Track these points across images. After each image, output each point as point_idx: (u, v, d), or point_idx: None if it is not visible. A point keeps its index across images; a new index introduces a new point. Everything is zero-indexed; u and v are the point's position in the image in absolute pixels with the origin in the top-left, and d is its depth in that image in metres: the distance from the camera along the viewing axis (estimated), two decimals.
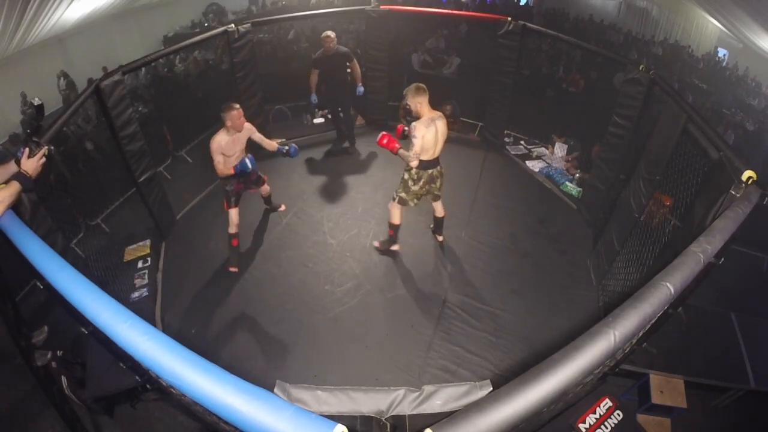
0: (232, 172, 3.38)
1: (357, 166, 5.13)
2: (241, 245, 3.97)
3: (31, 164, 1.86)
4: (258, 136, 3.56)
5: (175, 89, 7.17)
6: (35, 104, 1.88)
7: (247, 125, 3.43)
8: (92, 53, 9.46)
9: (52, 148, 2.00)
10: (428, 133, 3.13)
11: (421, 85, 3.16)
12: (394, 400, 2.41)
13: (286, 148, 3.58)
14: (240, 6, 13.57)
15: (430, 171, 3.36)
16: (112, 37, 10.21)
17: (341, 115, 5.17)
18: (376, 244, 3.93)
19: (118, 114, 3.41)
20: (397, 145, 3.22)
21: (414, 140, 3.12)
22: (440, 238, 4.04)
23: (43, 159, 1.90)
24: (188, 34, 9.95)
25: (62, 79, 8.54)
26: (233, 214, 3.62)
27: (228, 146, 3.33)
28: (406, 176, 3.40)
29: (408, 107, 3.20)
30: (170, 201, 4.27)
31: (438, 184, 3.48)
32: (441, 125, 3.21)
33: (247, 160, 3.33)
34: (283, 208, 4.34)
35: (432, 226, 4.05)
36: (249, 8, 13.60)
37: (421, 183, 3.38)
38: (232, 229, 3.66)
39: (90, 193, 4.52)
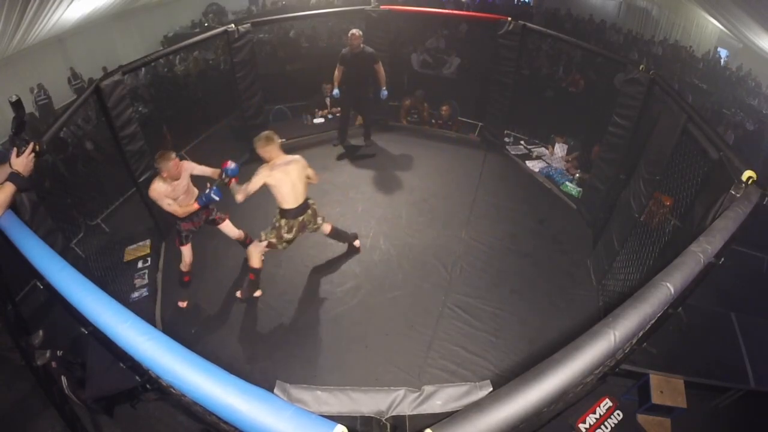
0: (196, 207, 3.12)
1: (357, 166, 5.13)
2: (240, 245, 3.98)
3: (21, 162, 1.85)
4: (199, 170, 3.24)
5: (175, 89, 7.18)
6: (12, 101, 1.86)
7: (185, 165, 3.12)
8: (92, 53, 9.47)
9: (43, 143, 1.98)
10: (271, 178, 3.03)
11: (269, 133, 3.09)
12: (394, 400, 2.41)
13: (224, 173, 3.14)
14: (240, 6, 13.58)
15: (300, 218, 3.26)
16: (112, 37, 10.21)
17: (352, 114, 5.18)
18: (238, 294, 3.48)
19: (118, 114, 3.40)
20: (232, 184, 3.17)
21: (253, 178, 3.02)
22: (356, 243, 3.87)
23: (32, 155, 1.88)
24: (188, 34, 9.95)
25: (38, 90, 8.38)
26: (186, 252, 3.35)
27: (169, 192, 3.06)
28: (279, 224, 3.25)
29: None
30: None
31: (312, 226, 3.39)
32: (294, 169, 3.10)
33: (212, 193, 3.06)
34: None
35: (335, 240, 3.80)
36: (249, 8, 13.60)
37: (293, 232, 3.28)
38: (185, 268, 3.40)
39: (90, 193, 4.53)
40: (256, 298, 3.52)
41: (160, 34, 11.45)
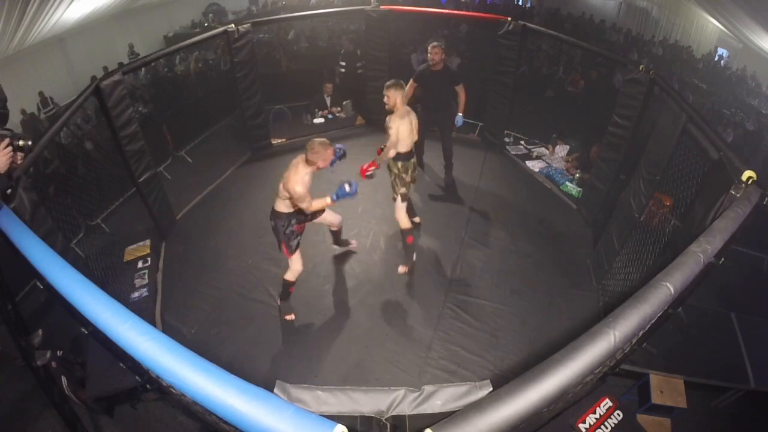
0: (329, 202, 2.92)
1: (357, 166, 5.12)
2: (240, 245, 3.97)
3: None
4: None
5: (175, 89, 7.17)
6: None
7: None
8: (92, 53, 9.47)
9: (29, 142, 1.81)
10: (402, 125, 3.30)
11: (400, 81, 3.34)
12: (394, 400, 2.41)
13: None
14: (240, 6, 13.59)
15: (412, 161, 3.52)
16: (112, 37, 10.22)
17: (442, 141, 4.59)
18: (402, 269, 3.66)
19: (118, 114, 3.41)
20: (376, 162, 3.46)
21: (390, 131, 3.30)
22: (417, 220, 4.13)
23: (9, 149, 1.71)
24: (188, 34, 9.95)
25: (129, 49, 8.29)
26: (296, 261, 3.12)
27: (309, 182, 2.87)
28: (396, 171, 3.50)
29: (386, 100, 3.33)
30: (170, 201, 4.27)
31: (413, 172, 3.61)
32: (414, 119, 3.41)
33: (347, 185, 2.88)
34: (353, 244, 3.87)
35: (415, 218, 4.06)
36: (249, 8, 13.62)
37: (409, 172, 3.52)
38: (291, 277, 3.16)
39: (90, 193, 4.52)
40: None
41: (160, 34, 11.46)
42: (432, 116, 4.38)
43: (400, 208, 3.54)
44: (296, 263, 3.14)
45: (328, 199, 2.93)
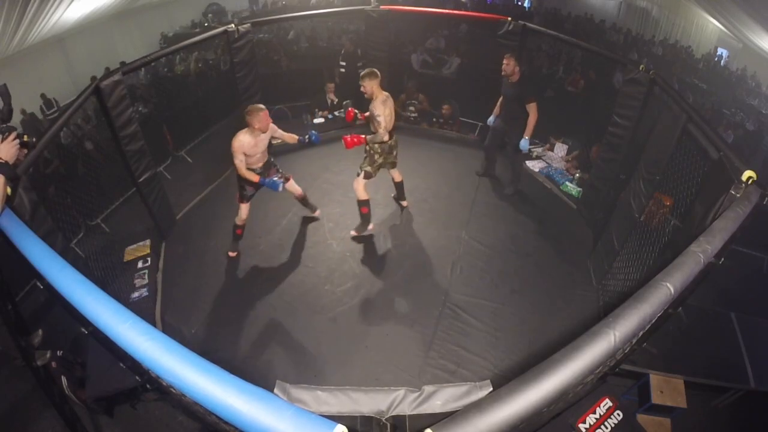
0: (255, 179, 3.39)
1: (357, 166, 5.12)
2: (241, 246, 3.97)
3: (4, 149, 1.76)
4: (279, 133, 3.57)
5: (175, 89, 7.17)
6: None
7: (271, 125, 3.44)
8: (92, 53, 9.47)
9: (33, 139, 1.90)
10: (386, 109, 3.51)
11: (374, 69, 3.51)
12: (394, 400, 2.41)
13: (307, 137, 3.71)
14: (240, 6, 13.59)
15: (389, 142, 3.70)
16: (112, 37, 10.22)
17: (505, 150, 4.61)
18: (353, 232, 4.00)
19: (118, 114, 3.40)
20: (363, 137, 3.56)
21: (378, 119, 3.47)
22: (404, 203, 4.41)
23: (16, 141, 1.79)
24: (188, 34, 9.95)
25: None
26: (243, 209, 3.66)
27: (250, 147, 3.33)
28: (371, 150, 3.69)
29: (364, 90, 3.49)
30: (170, 201, 4.27)
31: (395, 153, 3.83)
32: (391, 103, 3.62)
33: (279, 182, 3.47)
34: (318, 213, 4.22)
35: (394, 194, 4.40)
36: (250, 8, 13.63)
37: (384, 154, 3.72)
38: (239, 221, 3.73)
39: (90, 193, 4.52)
40: (371, 233, 3.88)
41: (160, 34, 11.46)
42: (504, 127, 4.35)
43: (360, 181, 3.73)
44: (243, 211, 3.67)
45: (256, 178, 3.39)
